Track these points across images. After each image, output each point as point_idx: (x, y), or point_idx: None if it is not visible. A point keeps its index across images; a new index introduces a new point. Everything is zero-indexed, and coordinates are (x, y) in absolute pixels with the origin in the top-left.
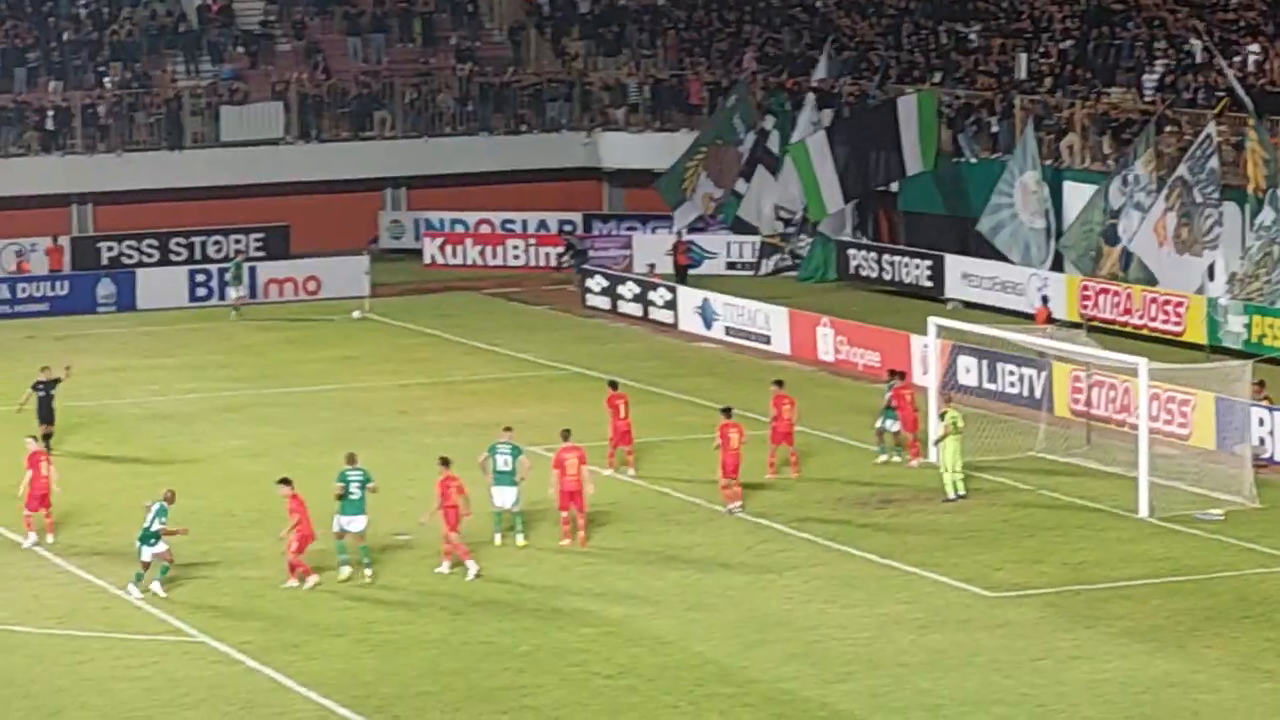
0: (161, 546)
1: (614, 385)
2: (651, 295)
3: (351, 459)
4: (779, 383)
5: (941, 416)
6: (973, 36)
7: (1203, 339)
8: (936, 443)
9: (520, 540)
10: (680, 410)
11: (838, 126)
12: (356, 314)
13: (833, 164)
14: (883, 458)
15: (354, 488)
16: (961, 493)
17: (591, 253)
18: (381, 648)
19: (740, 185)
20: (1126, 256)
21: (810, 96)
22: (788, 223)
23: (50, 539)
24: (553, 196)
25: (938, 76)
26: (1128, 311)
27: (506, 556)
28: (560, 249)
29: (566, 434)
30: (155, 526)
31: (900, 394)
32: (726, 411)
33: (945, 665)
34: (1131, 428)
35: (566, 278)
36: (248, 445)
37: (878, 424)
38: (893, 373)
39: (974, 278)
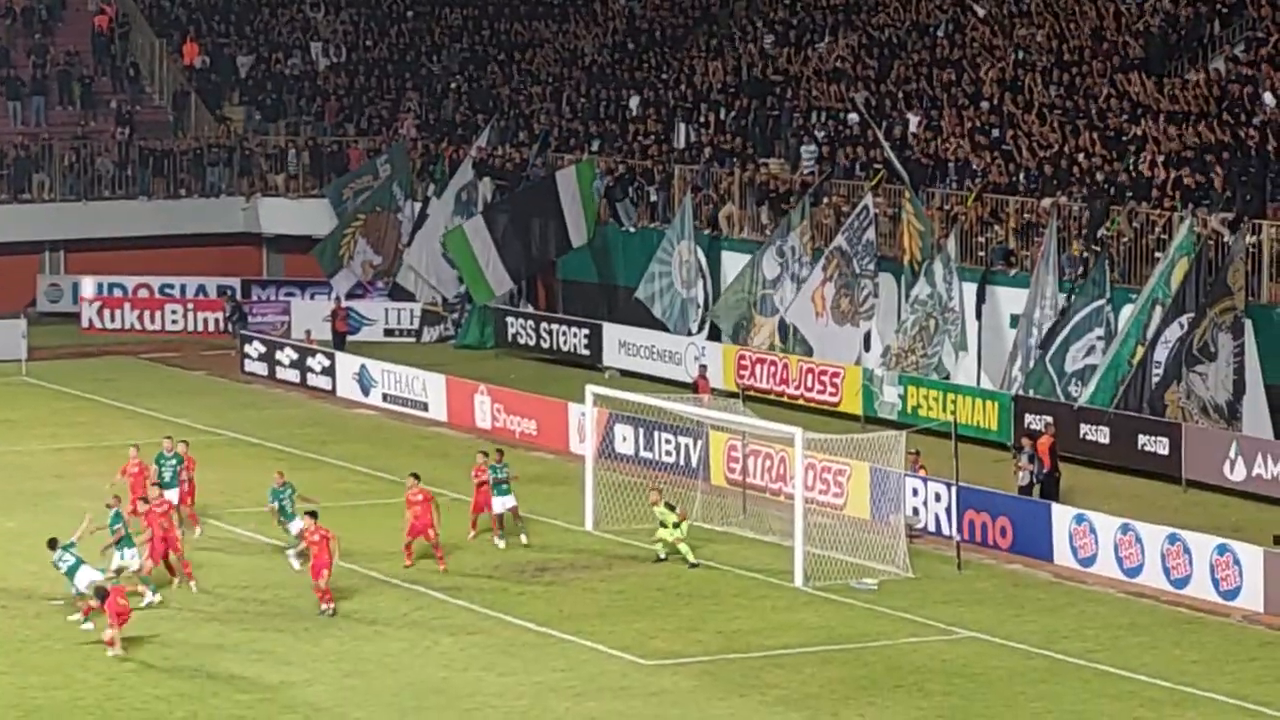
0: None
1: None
2: (309, 361)
3: None
4: (485, 453)
5: (671, 508)
6: (632, 106)
7: (859, 409)
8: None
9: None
10: (338, 477)
11: (498, 205)
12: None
13: (494, 245)
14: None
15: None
16: (693, 561)
17: (250, 318)
18: (35, 714)
19: (406, 253)
20: (784, 327)
21: (468, 166)
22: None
23: None
24: (212, 261)
25: (596, 145)
26: (784, 381)
27: (169, 618)
28: (227, 312)
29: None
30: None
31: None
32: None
33: None
34: (787, 497)
35: (230, 342)
36: None
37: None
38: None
39: (631, 346)
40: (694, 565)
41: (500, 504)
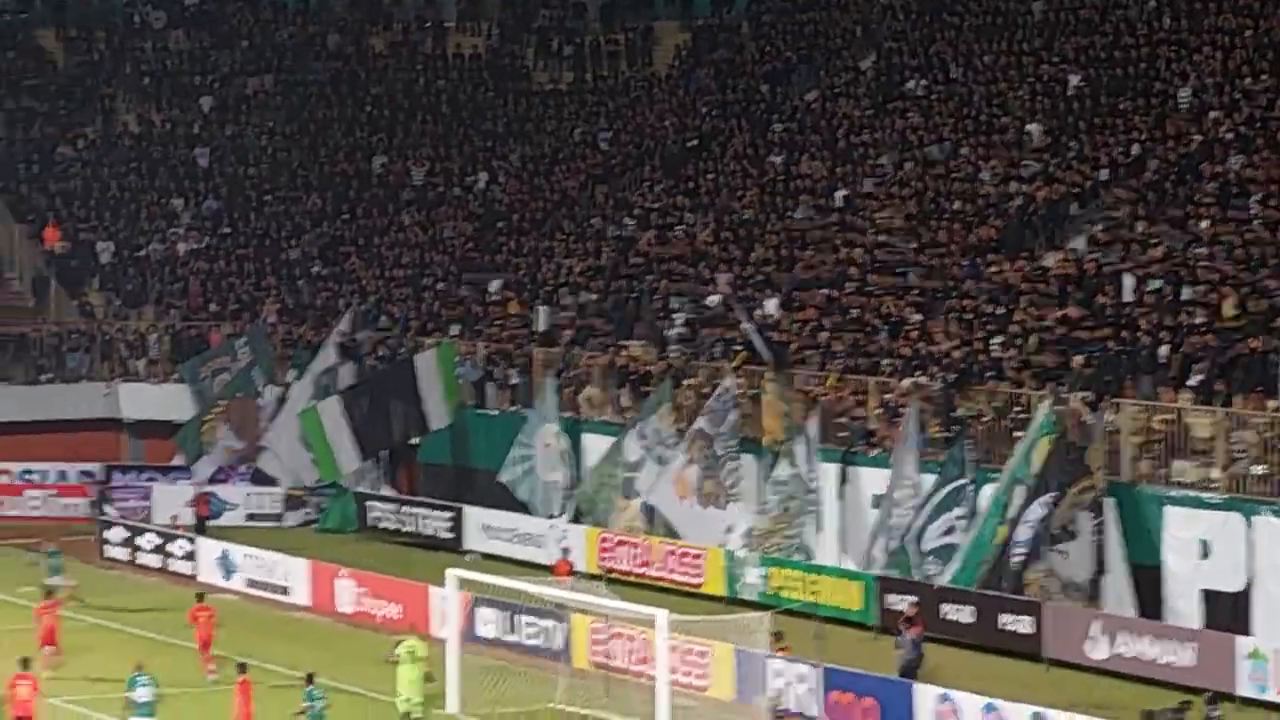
0: None
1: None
2: (171, 546)
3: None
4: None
5: (396, 645)
6: (492, 289)
7: (722, 591)
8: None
9: None
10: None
11: (356, 386)
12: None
13: (348, 424)
14: None
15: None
16: (418, 716)
17: (112, 503)
18: None
19: (267, 438)
20: (648, 509)
21: (331, 350)
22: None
23: None
24: (73, 447)
25: (456, 329)
26: (646, 563)
27: None
28: (92, 497)
29: (25, 662)
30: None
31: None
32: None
33: None
34: (650, 679)
35: (91, 527)
36: None
37: None
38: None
39: (494, 529)
40: None
41: None
